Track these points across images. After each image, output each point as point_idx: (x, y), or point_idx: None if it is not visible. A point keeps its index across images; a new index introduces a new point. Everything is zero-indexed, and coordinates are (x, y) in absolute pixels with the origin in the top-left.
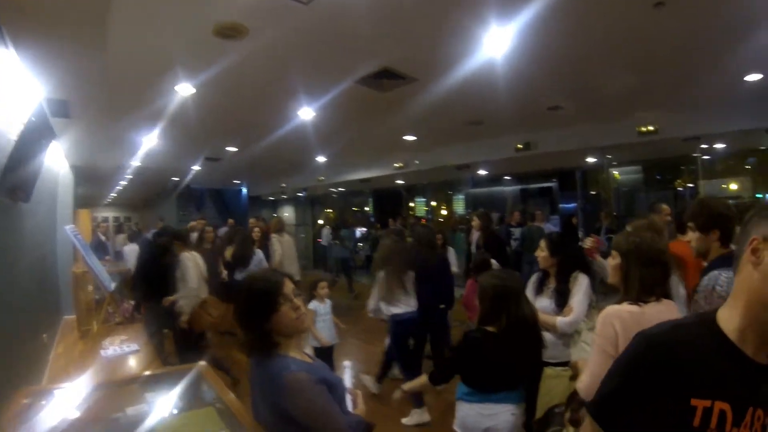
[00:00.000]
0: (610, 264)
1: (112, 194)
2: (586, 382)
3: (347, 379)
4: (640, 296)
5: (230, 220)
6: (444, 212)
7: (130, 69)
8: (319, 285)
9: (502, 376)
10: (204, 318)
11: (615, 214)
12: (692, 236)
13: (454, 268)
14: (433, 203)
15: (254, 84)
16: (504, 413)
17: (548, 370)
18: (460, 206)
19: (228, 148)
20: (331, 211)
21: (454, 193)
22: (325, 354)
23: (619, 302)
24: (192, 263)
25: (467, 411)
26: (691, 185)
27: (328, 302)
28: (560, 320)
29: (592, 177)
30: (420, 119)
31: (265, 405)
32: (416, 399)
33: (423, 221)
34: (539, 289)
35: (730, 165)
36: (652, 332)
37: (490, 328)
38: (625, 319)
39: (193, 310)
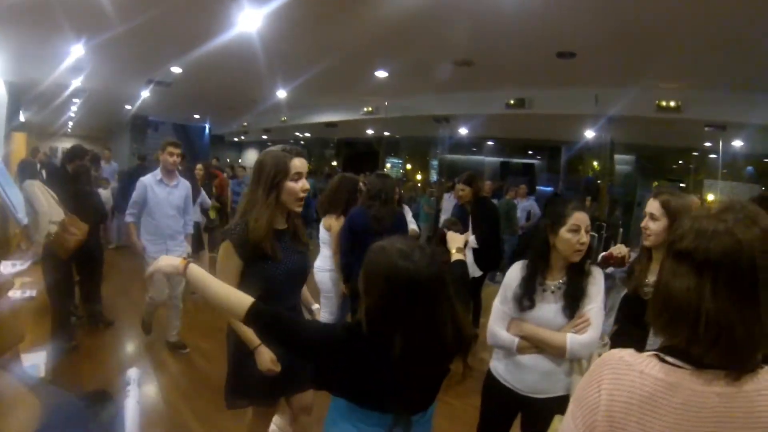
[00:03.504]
0: None
1: (69, 124)
2: None
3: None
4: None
5: None
6: (419, 177)
7: None
8: None
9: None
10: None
11: (613, 199)
12: None
13: (413, 225)
14: (409, 167)
15: None
16: None
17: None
18: (434, 174)
19: (173, 69)
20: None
21: (431, 158)
22: None
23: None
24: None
25: None
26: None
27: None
28: (572, 338)
29: (584, 159)
30: (394, 45)
31: None
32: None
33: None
34: (531, 286)
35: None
36: None
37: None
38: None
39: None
